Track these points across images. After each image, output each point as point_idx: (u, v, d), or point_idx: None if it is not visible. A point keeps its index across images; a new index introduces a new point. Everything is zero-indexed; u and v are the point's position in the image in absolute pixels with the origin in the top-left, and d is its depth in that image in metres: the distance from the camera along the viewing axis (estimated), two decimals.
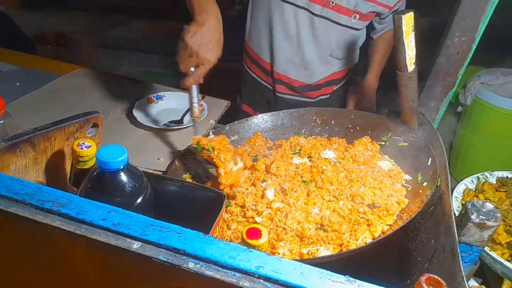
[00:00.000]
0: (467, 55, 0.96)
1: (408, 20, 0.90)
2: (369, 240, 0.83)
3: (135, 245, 0.47)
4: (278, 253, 0.80)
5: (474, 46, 0.95)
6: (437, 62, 1.00)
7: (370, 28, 1.52)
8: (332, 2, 1.28)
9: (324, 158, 1.08)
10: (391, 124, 1.14)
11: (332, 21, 1.33)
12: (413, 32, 0.91)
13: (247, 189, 0.98)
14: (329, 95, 1.60)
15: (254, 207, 0.90)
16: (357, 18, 1.33)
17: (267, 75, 1.55)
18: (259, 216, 0.88)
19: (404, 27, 0.92)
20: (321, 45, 1.40)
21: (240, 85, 1.68)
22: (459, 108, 2.48)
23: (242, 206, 0.93)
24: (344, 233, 0.84)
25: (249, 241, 0.51)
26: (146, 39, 4.25)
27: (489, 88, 2.23)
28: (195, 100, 1.05)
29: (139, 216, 0.49)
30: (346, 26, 1.35)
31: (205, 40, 0.97)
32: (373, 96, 1.51)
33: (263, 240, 0.51)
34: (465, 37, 0.94)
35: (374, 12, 1.35)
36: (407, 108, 1.06)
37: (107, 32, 4.42)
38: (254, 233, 0.51)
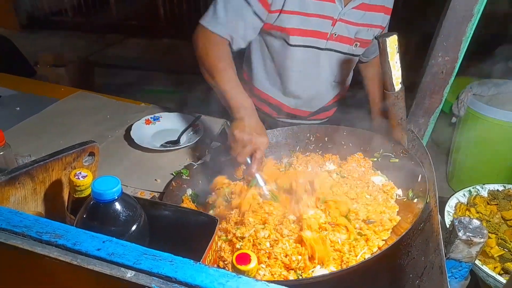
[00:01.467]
0: (451, 74, 0.99)
1: (392, 42, 0.94)
2: (367, 256, 0.85)
3: (129, 274, 0.49)
4: (259, 274, 0.82)
5: (457, 65, 0.98)
6: (423, 81, 1.03)
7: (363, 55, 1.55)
8: (335, 34, 1.31)
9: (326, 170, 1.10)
10: (382, 141, 1.17)
11: (335, 51, 1.36)
12: (398, 54, 0.95)
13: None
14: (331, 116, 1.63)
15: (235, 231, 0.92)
16: (358, 46, 1.36)
17: (273, 109, 1.56)
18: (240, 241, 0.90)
19: (389, 49, 0.95)
20: (324, 75, 1.43)
21: None
22: (454, 119, 2.51)
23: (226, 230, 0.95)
24: (344, 252, 0.86)
25: (239, 266, 0.53)
26: (142, 57, 4.32)
27: (481, 99, 2.27)
28: (263, 185, 1.08)
29: (133, 245, 0.52)
30: (348, 54, 1.38)
31: (252, 129, 1.07)
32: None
33: (252, 265, 0.53)
34: (448, 57, 0.97)
35: (372, 38, 1.38)
36: (397, 125, 1.09)
37: (104, 51, 4.50)
38: (244, 258, 0.53)
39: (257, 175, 1.08)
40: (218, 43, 1.20)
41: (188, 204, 1.11)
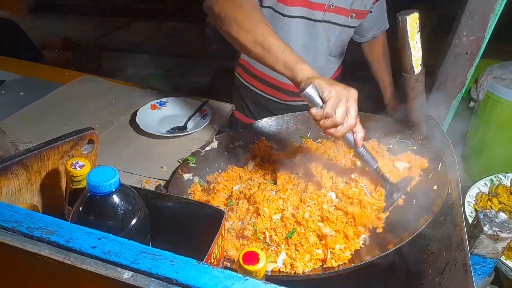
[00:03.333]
0: (476, 55, 0.92)
1: (413, 21, 0.87)
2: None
3: (126, 275, 0.45)
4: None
5: (484, 45, 0.90)
6: (445, 62, 0.96)
7: (358, 33, 1.51)
8: (332, 5, 1.27)
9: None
10: (399, 127, 1.10)
11: (331, 23, 1.33)
12: (419, 33, 0.87)
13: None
14: None
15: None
16: (353, 17, 1.33)
17: (267, 86, 1.51)
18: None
19: (409, 28, 0.88)
20: (321, 47, 1.39)
21: (236, 96, 1.65)
22: (471, 104, 2.41)
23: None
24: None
25: (246, 266, 0.48)
26: (149, 40, 4.26)
27: (502, 82, 2.16)
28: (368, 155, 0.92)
29: (130, 243, 0.47)
30: (344, 26, 1.34)
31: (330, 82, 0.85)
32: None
33: (261, 265, 0.48)
34: (474, 36, 0.89)
35: (365, 8, 1.34)
36: (415, 110, 1.02)
37: (111, 35, 4.44)
38: (251, 257, 0.49)
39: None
40: None
41: (198, 193, 1.07)
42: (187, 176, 1.12)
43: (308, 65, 0.89)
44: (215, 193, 1.03)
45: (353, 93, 0.84)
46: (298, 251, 0.82)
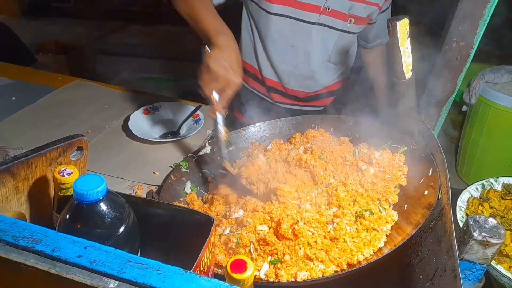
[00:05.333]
0: (466, 60, 0.92)
1: (403, 26, 0.87)
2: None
3: (112, 285, 0.45)
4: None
5: (473, 51, 0.91)
6: (435, 68, 0.96)
7: (365, 39, 1.49)
8: (328, 8, 1.26)
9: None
10: (391, 132, 1.11)
11: (328, 26, 1.31)
12: (409, 39, 0.88)
13: None
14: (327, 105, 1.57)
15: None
16: (352, 22, 1.31)
17: (262, 86, 1.52)
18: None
19: (399, 33, 0.88)
20: (316, 51, 1.37)
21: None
22: (464, 108, 2.43)
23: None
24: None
25: (233, 275, 0.48)
26: (144, 44, 4.25)
27: (493, 86, 2.18)
28: (221, 125, 1.04)
29: (117, 252, 0.47)
30: (343, 31, 1.33)
31: (228, 62, 0.97)
32: None
33: (248, 273, 0.48)
34: (464, 42, 0.90)
35: (368, 15, 1.33)
36: (406, 115, 1.02)
37: (105, 38, 4.43)
38: (239, 265, 0.49)
39: (219, 115, 1.02)
40: None
41: (193, 201, 1.06)
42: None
43: (227, 30, 1.02)
44: (213, 203, 1.03)
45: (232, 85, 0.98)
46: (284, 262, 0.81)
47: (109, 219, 0.54)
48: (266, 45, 1.38)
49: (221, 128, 1.03)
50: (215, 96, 1.00)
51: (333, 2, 1.25)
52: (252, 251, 0.83)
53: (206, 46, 1.00)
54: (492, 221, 0.71)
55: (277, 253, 0.80)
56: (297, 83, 1.45)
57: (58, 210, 0.64)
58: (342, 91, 1.56)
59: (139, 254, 0.64)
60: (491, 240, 0.68)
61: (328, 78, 1.49)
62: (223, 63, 0.96)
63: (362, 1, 1.27)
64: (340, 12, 1.27)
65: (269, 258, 0.82)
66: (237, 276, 0.48)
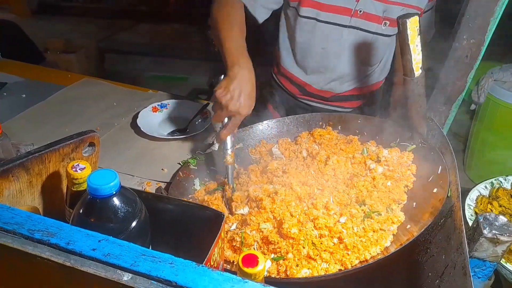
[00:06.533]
0: (476, 58, 0.92)
1: (413, 24, 0.87)
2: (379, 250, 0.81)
3: (126, 277, 0.45)
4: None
5: (484, 49, 0.91)
6: (445, 65, 0.96)
7: None
8: (360, 11, 1.23)
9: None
10: (399, 130, 1.10)
11: (360, 29, 1.28)
12: (419, 36, 0.88)
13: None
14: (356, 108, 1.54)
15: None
16: (387, 25, 1.27)
17: (297, 88, 1.50)
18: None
19: (409, 31, 0.88)
20: (348, 54, 1.34)
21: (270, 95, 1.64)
22: (473, 106, 2.42)
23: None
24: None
25: (245, 269, 0.48)
26: (152, 43, 4.27)
27: (502, 85, 2.16)
28: (228, 148, 1.07)
29: (130, 245, 0.48)
30: (377, 34, 1.29)
31: (235, 94, 0.99)
32: None
33: (260, 267, 0.49)
34: (474, 39, 0.89)
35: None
36: (415, 113, 1.02)
37: (114, 37, 4.46)
38: (251, 260, 0.49)
39: (228, 139, 1.06)
40: (232, 3, 1.20)
41: (202, 197, 1.07)
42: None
43: (244, 62, 1.05)
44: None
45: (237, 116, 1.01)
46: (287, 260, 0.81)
47: (122, 214, 0.55)
48: (296, 47, 1.38)
49: (228, 151, 1.07)
50: (225, 121, 1.05)
51: (364, 5, 1.22)
52: (255, 249, 0.84)
53: (222, 76, 1.05)
54: (502, 219, 0.70)
55: (280, 251, 0.81)
56: (326, 84, 1.43)
57: (70, 205, 0.65)
58: (373, 96, 1.52)
59: (150, 249, 0.64)
60: (502, 238, 0.68)
61: (358, 79, 1.44)
62: (228, 94, 0.99)
63: (398, 3, 1.22)
64: (373, 14, 1.24)
65: (272, 255, 0.82)
66: (249, 270, 0.48)
